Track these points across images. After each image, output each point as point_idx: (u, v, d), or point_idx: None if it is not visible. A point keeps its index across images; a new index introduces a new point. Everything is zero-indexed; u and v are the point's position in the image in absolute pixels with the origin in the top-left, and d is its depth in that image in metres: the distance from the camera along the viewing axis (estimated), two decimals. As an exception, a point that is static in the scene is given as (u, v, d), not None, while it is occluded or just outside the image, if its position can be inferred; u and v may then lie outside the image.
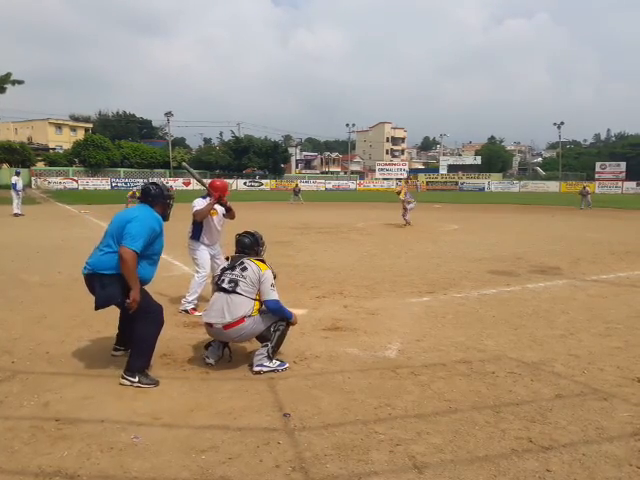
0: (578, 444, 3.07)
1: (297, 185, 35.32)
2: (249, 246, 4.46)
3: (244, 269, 4.23)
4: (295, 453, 2.95)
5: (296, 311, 5.89)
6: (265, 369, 4.14)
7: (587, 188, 29.39)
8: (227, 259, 4.62)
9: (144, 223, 3.93)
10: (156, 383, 3.91)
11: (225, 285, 4.21)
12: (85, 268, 4.00)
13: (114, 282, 3.86)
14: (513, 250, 11.40)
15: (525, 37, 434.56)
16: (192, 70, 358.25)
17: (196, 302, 6.08)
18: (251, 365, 4.22)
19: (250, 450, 2.98)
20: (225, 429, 3.22)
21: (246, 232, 4.57)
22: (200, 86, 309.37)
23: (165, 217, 4.27)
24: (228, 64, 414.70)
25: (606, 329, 5.43)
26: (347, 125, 76.67)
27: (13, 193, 19.68)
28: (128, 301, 3.81)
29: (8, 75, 43.30)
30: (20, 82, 44.33)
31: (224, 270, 4.36)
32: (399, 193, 17.98)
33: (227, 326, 4.11)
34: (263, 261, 4.40)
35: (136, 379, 3.87)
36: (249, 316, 4.14)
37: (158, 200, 4.19)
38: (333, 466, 2.82)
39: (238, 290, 4.15)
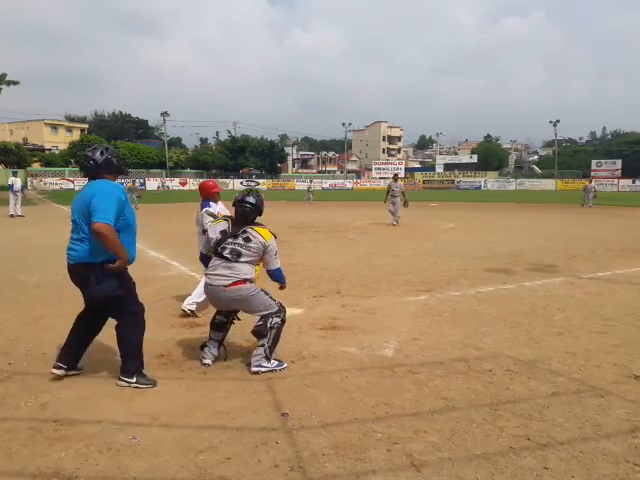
0: (575, 441, 3.08)
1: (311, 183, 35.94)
2: (251, 214, 4.28)
3: (248, 240, 4.12)
4: (293, 452, 2.95)
5: (293, 310, 5.92)
6: (263, 369, 4.13)
7: (591, 184, 28.90)
8: (226, 219, 4.35)
9: (109, 194, 3.63)
10: (154, 383, 3.89)
11: (227, 254, 4.11)
12: (69, 258, 3.75)
13: (109, 274, 3.65)
14: (510, 248, 11.43)
15: (521, 35, 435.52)
16: (188, 70, 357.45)
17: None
18: (249, 365, 4.22)
19: (248, 450, 2.98)
20: (223, 429, 3.22)
21: (245, 197, 4.30)
22: (196, 86, 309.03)
23: (121, 172, 4.04)
24: (224, 64, 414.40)
25: (603, 326, 5.45)
26: (343, 124, 76.65)
27: (10, 194, 19.62)
28: (111, 265, 3.57)
29: (3, 76, 43.17)
30: (15, 83, 44.21)
31: (225, 235, 4.17)
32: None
33: (228, 286, 4.09)
34: (264, 227, 4.29)
35: (134, 380, 3.84)
36: (250, 281, 4.14)
37: (103, 169, 3.78)
38: (331, 465, 2.83)
39: (240, 260, 4.11)
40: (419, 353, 4.65)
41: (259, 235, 4.16)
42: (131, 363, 3.89)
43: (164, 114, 63.74)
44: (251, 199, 4.30)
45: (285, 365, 4.24)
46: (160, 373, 4.15)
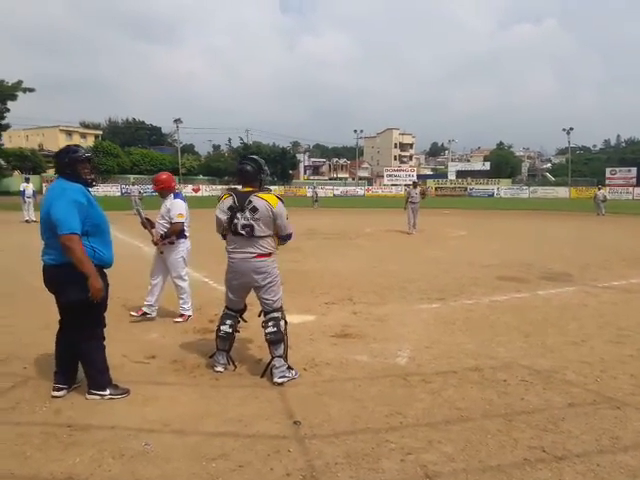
0: (592, 454, 3.03)
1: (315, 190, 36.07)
2: (253, 175, 4.08)
3: (254, 210, 3.96)
4: (306, 461, 2.94)
5: (305, 317, 5.92)
6: (286, 380, 4.09)
7: (600, 192, 28.57)
8: (230, 194, 4.10)
9: (65, 200, 3.53)
10: (127, 392, 3.81)
11: (240, 231, 4.02)
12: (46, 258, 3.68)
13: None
14: (523, 256, 11.33)
15: (533, 43, 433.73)
16: (201, 77, 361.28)
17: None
18: (261, 373, 4.21)
19: (260, 458, 2.97)
20: (235, 436, 3.22)
21: (246, 158, 4.20)
22: (209, 93, 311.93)
23: (88, 182, 3.81)
24: (237, 71, 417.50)
25: (618, 336, 5.37)
26: (355, 131, 76.78)
27: (22, 200, 19.97)
28: (89, 295, 3.50)
29: (19, 83, 43.93)
30: (31, 90, 45.00)
31: (233, 210, 4.01)
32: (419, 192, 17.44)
33: (254, 257, 4.06)
34: (270, 191, 4.15)
35: (107, 392, 3.74)
36: (273, 254, 4.15)
37: (66, 168, 3.67)
38: (344, 475, 2.81)
39: (255, 234, 4.01)
40: (432, 362, 4.62)
41: (264, 202, 3.99)
42: (101, 377, 3.78)
43: (177, 121, 64.24)
44: (251, 158, 4.18)
45: (299, 373, 4.23)
46: (173, 379, 4.17)
